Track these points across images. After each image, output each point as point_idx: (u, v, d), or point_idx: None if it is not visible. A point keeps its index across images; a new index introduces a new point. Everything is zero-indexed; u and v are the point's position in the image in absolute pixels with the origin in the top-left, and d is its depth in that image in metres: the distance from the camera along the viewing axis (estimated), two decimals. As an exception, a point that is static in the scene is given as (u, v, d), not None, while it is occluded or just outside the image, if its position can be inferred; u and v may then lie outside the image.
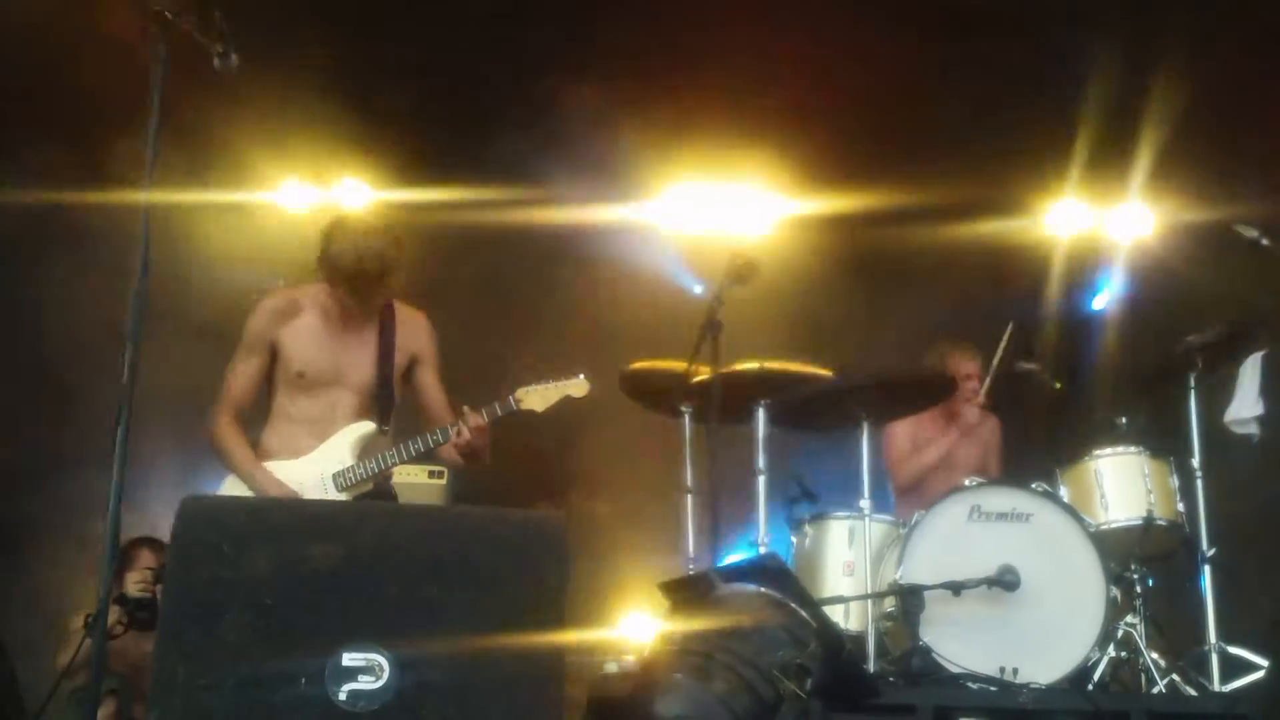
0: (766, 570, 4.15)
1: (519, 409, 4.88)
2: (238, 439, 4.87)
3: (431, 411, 5.09)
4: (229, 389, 4.93)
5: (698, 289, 8.18)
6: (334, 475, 4.85)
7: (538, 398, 4.89)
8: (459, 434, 4.82)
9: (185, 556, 3.63)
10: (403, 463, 4.90)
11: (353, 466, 4.86)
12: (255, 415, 5.01)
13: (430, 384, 5.12)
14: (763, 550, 5.55)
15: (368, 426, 4.93)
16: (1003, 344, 6.46)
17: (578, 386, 4.95)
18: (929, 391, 5.99)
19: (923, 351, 6.76)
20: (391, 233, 4.97)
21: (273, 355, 4.95)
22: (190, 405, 5.62)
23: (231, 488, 4.86)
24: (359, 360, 4.99)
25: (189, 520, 3.69)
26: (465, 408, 4.87)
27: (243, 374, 4.93)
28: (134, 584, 5.81)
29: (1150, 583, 5.72)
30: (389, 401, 4.99)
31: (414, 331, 5.12)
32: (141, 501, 5.73)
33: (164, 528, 4.55)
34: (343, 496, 4.81)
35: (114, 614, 5.76)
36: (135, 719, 5.59)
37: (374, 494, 4.90)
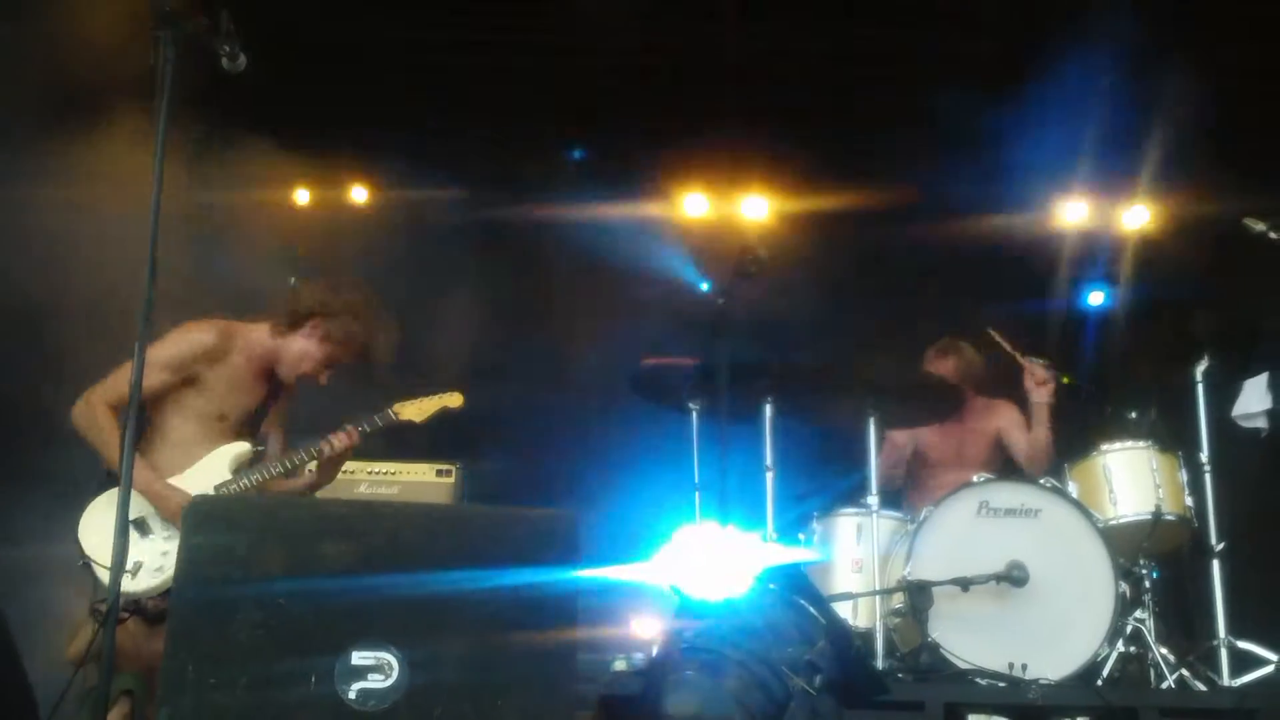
0: (776, 567, 4.15)
1: (398, 420, 5.10)
2: (115, 429, 4.80)
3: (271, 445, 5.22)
4: (116, 384, 4.82)
5: (706, 286, 8.18)
6: (215, 488, 4.89)
7: (414, 409, 5.13)
8: (330, 447, 4.99)
9: (196, 555, 3.63)
10: (281, 475, 5.00)
11: (229, 481, 4.94)
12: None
13: (281, 410, 5.25)
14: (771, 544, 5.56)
15: (243, 447, 5.03)
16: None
17: (452, 398, 5.19)
18: (937, 402, 5.96)
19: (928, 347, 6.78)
20: (396, 332, 5.20)
21: (185, 382, 4.97)
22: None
23: (110, 500, 4.75)
24: (256, 399, 5.12)
25: (199, 519, 3.69)
26: (347, 425, 5.04)
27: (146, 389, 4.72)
28: None
29: (1159, 577, 5.72)
30: (258, 423, 5.13)
31: (287, 363, 5.17)
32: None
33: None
34: None
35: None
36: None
37: None
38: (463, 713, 3.57)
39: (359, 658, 3.54)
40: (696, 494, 6.16)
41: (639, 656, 5.90)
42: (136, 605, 5.82)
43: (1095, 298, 8.64)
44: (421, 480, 6.47)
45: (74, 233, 6.45)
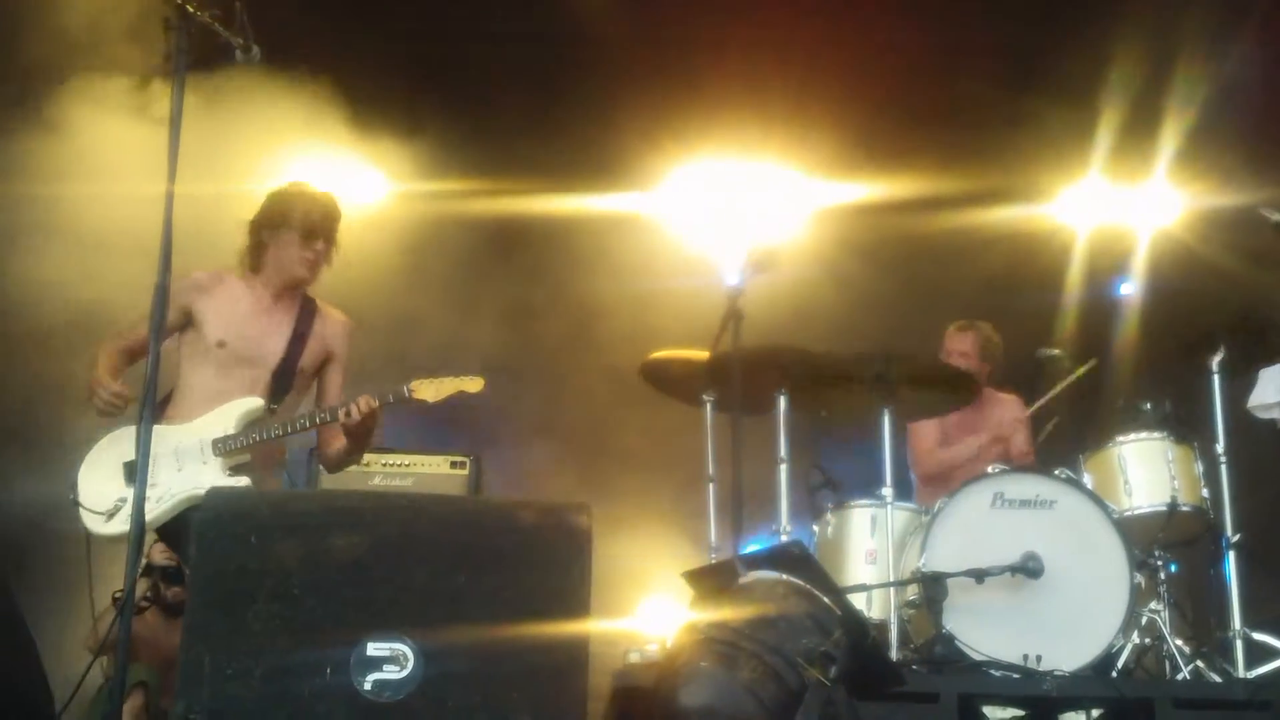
0: (790, 558, 4.15)
1: (412, 398, 4.89)
2: (107, 354, 4.86)
3: (323, 400, 5.15)
4: (132, 329, 4.85)
5: (719, 278, 8.17)
6: (213, 441, 4.83)
7: (431, 389, 4.90)
8: (348, 414, 4.84)
9: (211, 547, 3.65)
10: (288, 435, 4.92)
11: (234, 435, 4.85)
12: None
13: (333, 383, 5.16)
14: (785, 539, 5.56)
15: (256, 402, 4.93)
16: (1077, 374, 6.44)
17: (473, 382, 4.93)
18: (953, 389, 5.97)
19: (941, 338, 6.79)
20: (333, 198, 5.11)
21: (185, 325, 4.96)
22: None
23: (114, 439, 4.86)
24: (273, 340, 5.02)
25: (214, 511, 3.71)
26: (363, 395, 4.90)
27: (140, 329, 4.73)
28: (160, 553, 5.84)
29: (1174, 569, 5.70)
30: (287, 385, 5.02)
31: (334, 330, 5.16)
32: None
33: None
34: (217, 460, 4.81)
35: (142, 585, 5.84)
36: (163, 710, 5.62)
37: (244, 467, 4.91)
38: (476, 703, 3.58)
39: (374, 649, 3.56)
40: (709, 486, 6.16)
41: (652, 648, 5.91)
42: (155, 596, 5.88)
43: (1113, 288, 8.62)
44: (435, 472, 6.48)
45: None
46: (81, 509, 4.77)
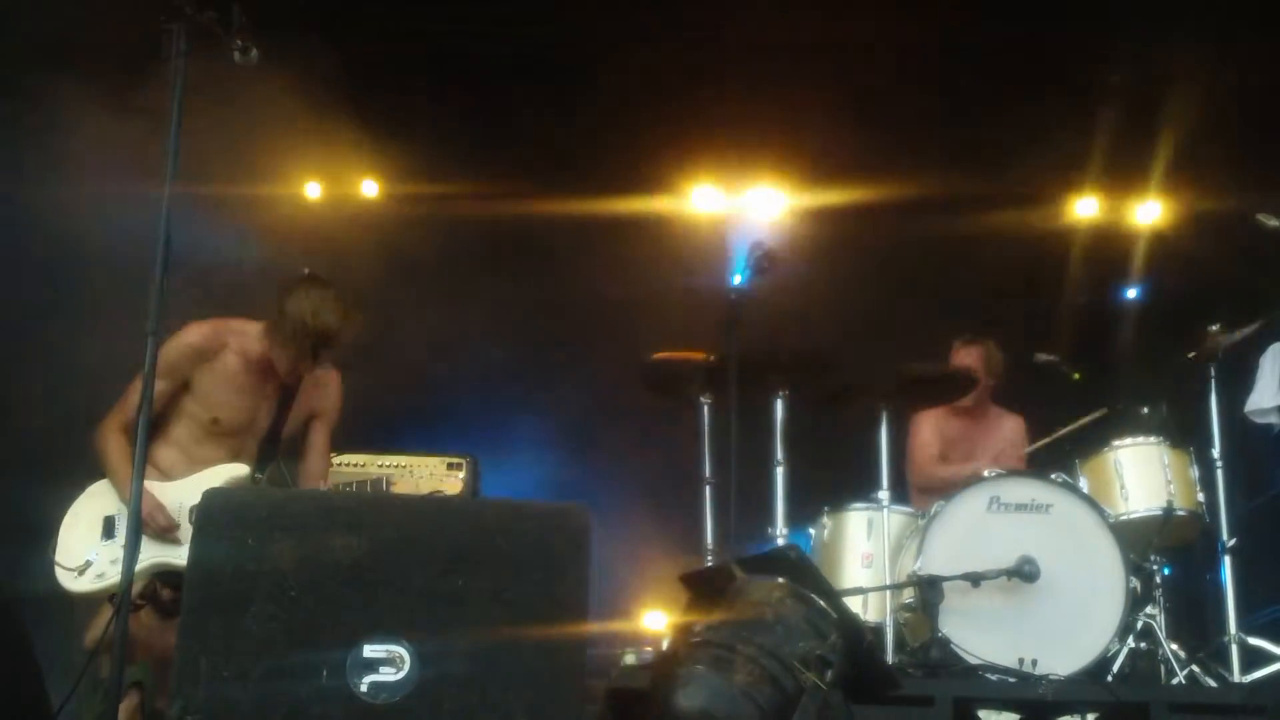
0: (787, 561, 4.15)
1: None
2: (123, 454, 4.83)
3: (309, 464, 5.21)
4: (127, 403, 4.84)
5: (718, 280, 8.17)
6: (190, 508, 4.71)
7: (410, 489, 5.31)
8: None
9: (208, 548, 3.65)
10: None
11: None
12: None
13: (317, 443, 5.22)
14: (781, 541, 5.56)
15: (242, 470, 4.96)
16: (1087, 420, 6.43)
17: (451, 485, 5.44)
18: (950, 387, 5.98)
19: (941, 343, 6.79)
20: (348, 308, 4.99)
21: (183, 387, 4.98)
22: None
23: (94, 494, 4.90)
24: (262, 413, 5.08)
25: (212, 512, 3.71)
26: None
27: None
28: None
29: (1169, 572, 5.71)
30: (272, 453, 5.09)
31: (320, 391, 5.19)
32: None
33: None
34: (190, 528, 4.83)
35: (141, 581, 5.84)
36: (159, 711, 5.61)
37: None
38: (473, 706, 3.58)
39: (371, 650, 3.56)
40: (706, 488, 6.16)
41: (648, 650, 5.91)
42: (152, 595, 5.87)
43: (1100, 294, 8.64)
44: (433, 474, 6.47)
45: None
46: (56, 566, 4.80)
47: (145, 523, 4.73)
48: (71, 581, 4.80)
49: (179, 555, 4.69)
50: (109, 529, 4.86)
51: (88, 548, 4.84)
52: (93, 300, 6.35)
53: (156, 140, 4.11)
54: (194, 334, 4.97)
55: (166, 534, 4.82)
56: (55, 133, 6.41)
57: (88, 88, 6.25)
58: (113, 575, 4.67)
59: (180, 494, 4.88)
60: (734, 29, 7.37)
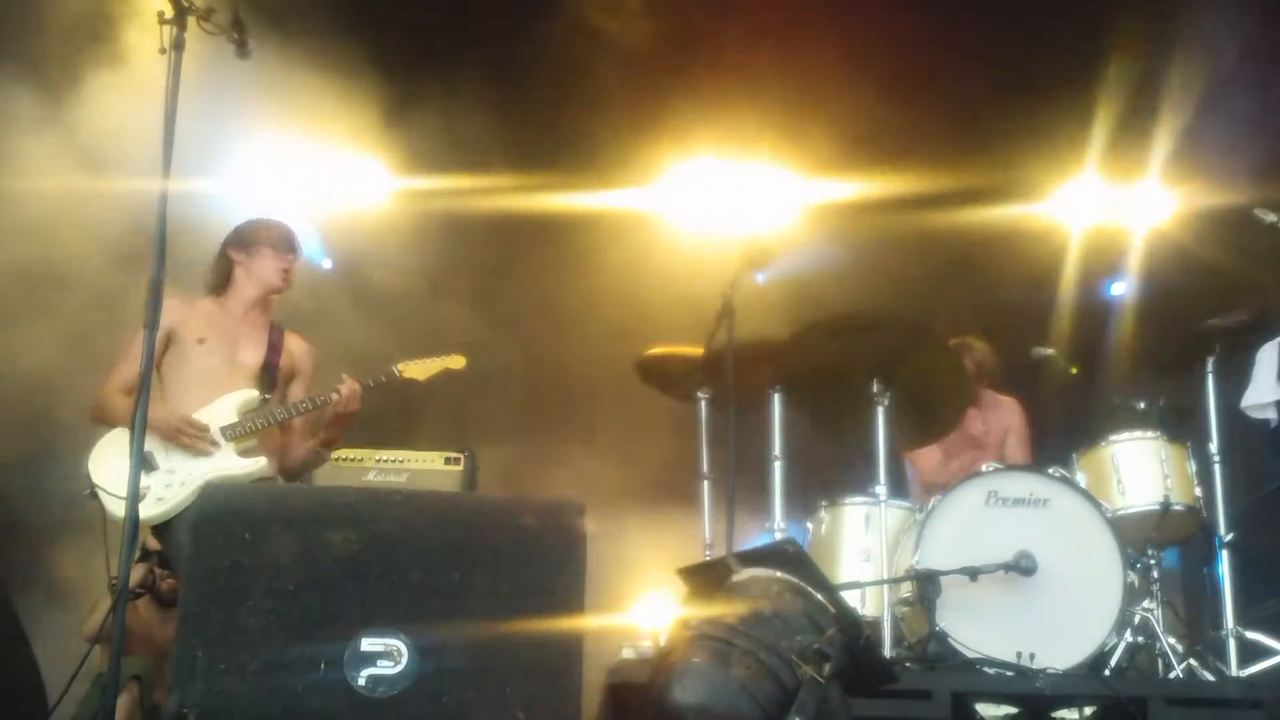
0: (785, 555, 4.15)
1: (401, 377, 5.31)
2: (127, 403, 4.91)
3: (295, 424, 5.34)
4: (120, 369, 5.09)
5: (714, 274, 8.17)
6: (220, 429, 5.06)
7: (418, 369, 5.34)
8: (338, 395, 5.15)
9: (207, 542, 3.65)
10: (290, 418, 5.20)
11: (239, 422, 5.10)
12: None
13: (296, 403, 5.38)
14: (779, 536, 5.56)
15: (251, 393, 5.19)
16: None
17: (455, 361, 5.40)
18: (948, 389, 5.95)
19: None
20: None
21: (166, 347, 5.13)
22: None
23: (114, 439, 4.98)
24: (250, 348, 5.29)
25: (210, 506, 3.71)
26: (344, 375, 5.23)
27: (135, 356, 4.83)
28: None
29: (1167, 568, 5.71)
30: (271, 383, 5.27)
31: (300, 351, 5.45)
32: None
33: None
34: (229, 445, 5.05)
35: (140, 571, 5.86)
36: (157, 705, 5.62)
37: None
38: (470, 699, 3.58)
39: (368, 644, 3.56)
40: (704, 483, 6.17)
41: (646, 645, 5.91)
42: (151, 585, 5.90)
43: (1098, 288, 8.64)
44: (430, 468, 6.48)
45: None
46: (107, 496, 4.88)
47: (178, 438, 4.97)
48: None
49: (232, 465, 5.01)
50: (148, 462, 4.92)
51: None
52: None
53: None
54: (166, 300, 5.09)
55: (200, 442, 4.99)
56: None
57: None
58: (173, 498, 4.91)
59: (205, 420, 5.05)
60: (735, 21, 7.36)
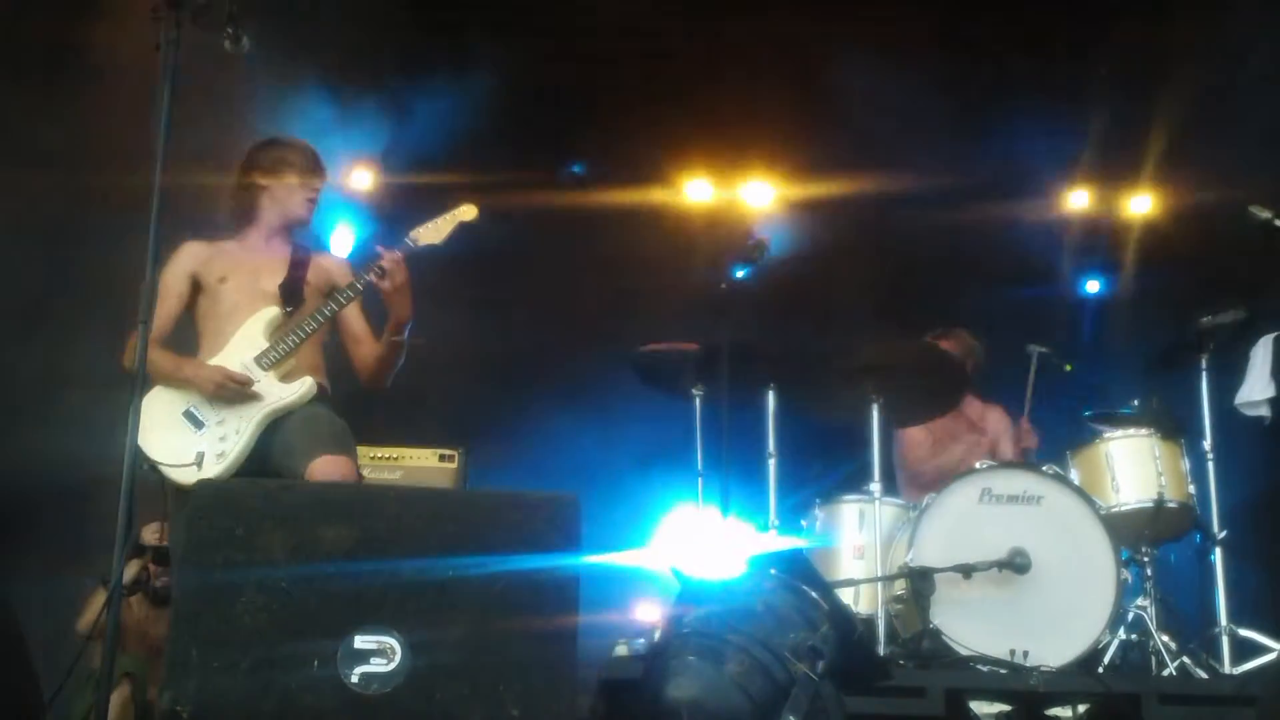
0: (779, 552, 4.16)
1: (418, 245, 5.03)
2: (164, 354, 4.83)
3: (355, 335, 5.12)
4: (158, 316, 4.81)
5: (709, 271, 8.17)
6: (254, 359, 4.85)
7: (432, 232, 5.05)
8: (381, 275, 4.88)
9: (199, 539, 3.64)
10: (321, 324, 4.94)
11: (270, 347, 4.88)
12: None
13: (354, 316, 5.12)
14: (774, 533, 5.57)
15: (272, 311, 4.96)
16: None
17: (466, 211, 5.11)
18: (941, 380, 5.96)
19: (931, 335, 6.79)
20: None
21: (195, 291, 4.99)
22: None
23: (153, 399, 4.79)
24: (271, 273, 5.04)
25: (202, 503, 3.70)
26: (379, 248, 4.96)
27: (163, 311, 4.83)
28: (151, 533, 5.82)
29: (1161, 563, 5.72)
30: (297, 298, 5.03)
31: (333, 264, 5.23)
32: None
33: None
34: (270, 374, 4.85)
35: (134, 567, 5.83)
36: (150, 703, 5.62)
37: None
38: (464, 696, 3.57)
39: (362, 641, 3.55)
40: (699, 480, 6.17)
41: (640, 641, 5.91)
42: (144, 582, 5.86)
43: (1092, 285, 8.66)
44: (424, 465, 6.46)
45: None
46: (167, 468, 4.70)
47: (220, 394, 4.77)
48: (196, 475, 4.66)
49: (279, 395, 4.82)
50: (194, 421, 4.80)
51: (189, 442, 4.76)
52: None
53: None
54: (189, 244, 5.04)
55: (246, 390, 4.79)
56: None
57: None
58: (232, 449, 4.72)
59: (231, 359, 4.87)
60: (731, 24, 7.36)
